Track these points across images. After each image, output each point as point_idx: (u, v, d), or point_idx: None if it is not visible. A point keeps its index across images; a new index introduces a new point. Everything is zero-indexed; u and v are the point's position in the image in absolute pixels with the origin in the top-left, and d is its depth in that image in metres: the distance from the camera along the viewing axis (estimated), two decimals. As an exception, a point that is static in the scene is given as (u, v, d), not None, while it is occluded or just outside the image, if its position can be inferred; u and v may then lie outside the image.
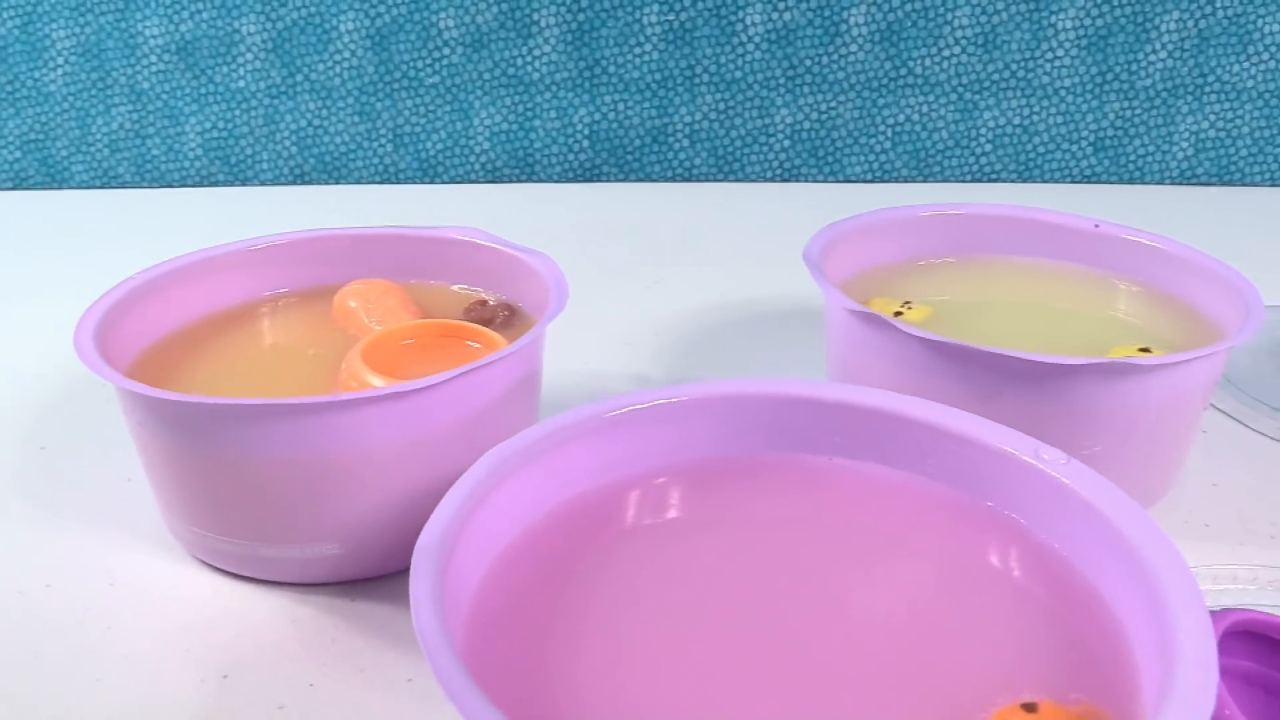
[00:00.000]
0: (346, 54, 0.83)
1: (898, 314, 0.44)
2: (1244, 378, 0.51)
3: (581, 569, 0.28)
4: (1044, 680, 0.25)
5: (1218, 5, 0.79)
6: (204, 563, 0.38)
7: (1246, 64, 0.81)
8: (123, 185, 0.86)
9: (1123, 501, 0.27)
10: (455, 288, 0.47)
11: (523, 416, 0.38)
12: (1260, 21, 0.80)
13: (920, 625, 0.27)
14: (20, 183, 0.86)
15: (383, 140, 0.85)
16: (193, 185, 0.86)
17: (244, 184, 0.86)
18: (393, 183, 0.86)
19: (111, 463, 0.44)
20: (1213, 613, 0.28)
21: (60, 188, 0.86)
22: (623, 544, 0.30)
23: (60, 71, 0.83)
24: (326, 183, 0.86)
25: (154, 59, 0.83)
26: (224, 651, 0.34)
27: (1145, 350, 0.40)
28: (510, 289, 0.45)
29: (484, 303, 0.45)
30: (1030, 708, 0.24)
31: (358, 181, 0.86)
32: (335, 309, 0.44)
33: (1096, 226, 0.48)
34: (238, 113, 0.84)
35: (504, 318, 0.44)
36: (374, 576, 0.37)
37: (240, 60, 0.83)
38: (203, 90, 0.84)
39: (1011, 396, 0.37)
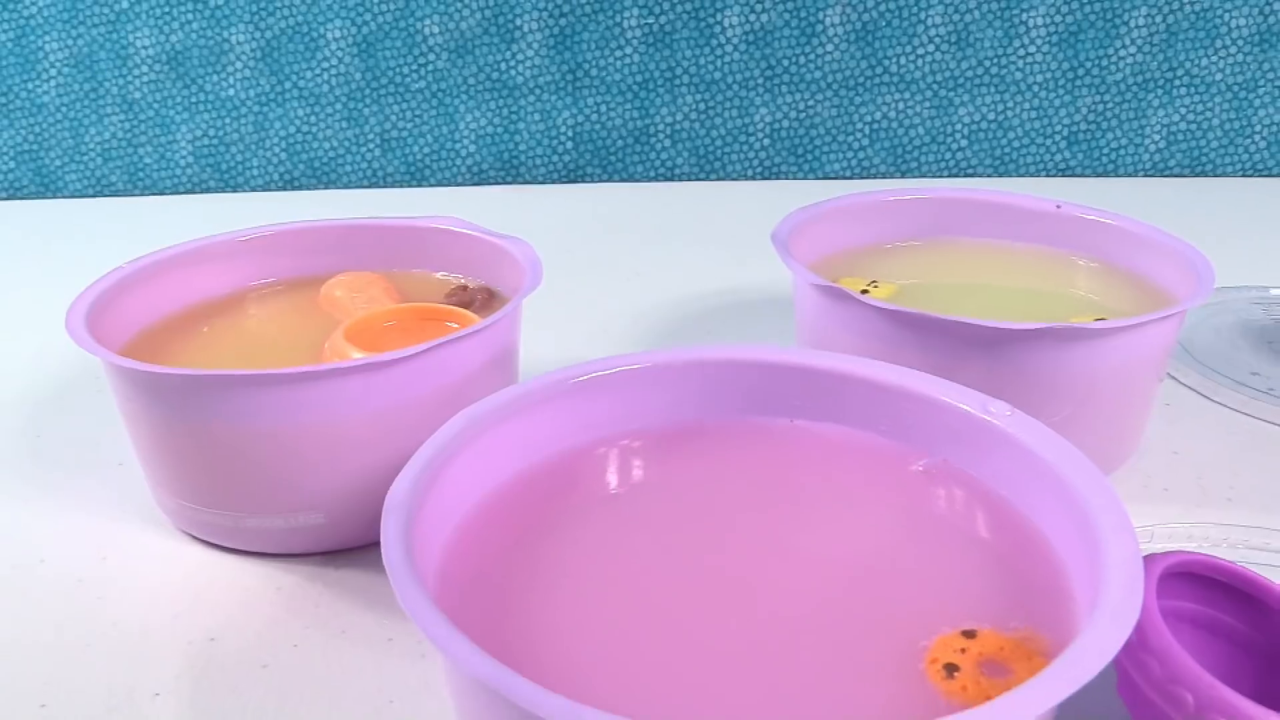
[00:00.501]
0: (334, 61, 0.84)
1: (864, 292, 0.45)
2: (1207, 353, 0.53)
3: (549, 527, 0.30)
4: (986, 612, 0.26)
5: (1185, 0, 0.81)
6: (192, 536, 0.39)
7: (1214, 57, 0.83)
8: (115, 193, 0.88)
9: (1064, 447, 0.28)
10: (437, 275, 0.48)
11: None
12: (1227, 15, 0.81)
13: (871, 567, 0.28)
14: (15, 193, 0.88)
15: (370, 145, 0.87)
16: (184, 192, 0.88)
17: (234, 190, 0.88)
18: (381, 186, 0.88)
19: (103, 449, 0.45)
20: (1154, 556, 0.29)
21: (54, 197, 0.88)
22: (590, 503, 0.31)
23: (53, 83, 0.85)
24: (316, 188, 0.88)
25: (145, 69, 0.85)
26: (210, 617, 0.35)
27: (1100, 320, 0.41)
28: (489, 274, 0.47)
29: (464, 288, 0.47)
30: (970, 634, 0.25)
31: (346, 186, 0.88)
32: (322, 298, 0.46)
33: (1059, 207, 0.50)
34: (228, 120, 0.86)
35: (483, 300, 0.45)
36: (357, 546, 0.38)
37: (230, 69, 0.84)
38: (193, 99, 0.85)
39: (972, 365, 0.38)
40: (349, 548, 0.38)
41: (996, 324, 0.37)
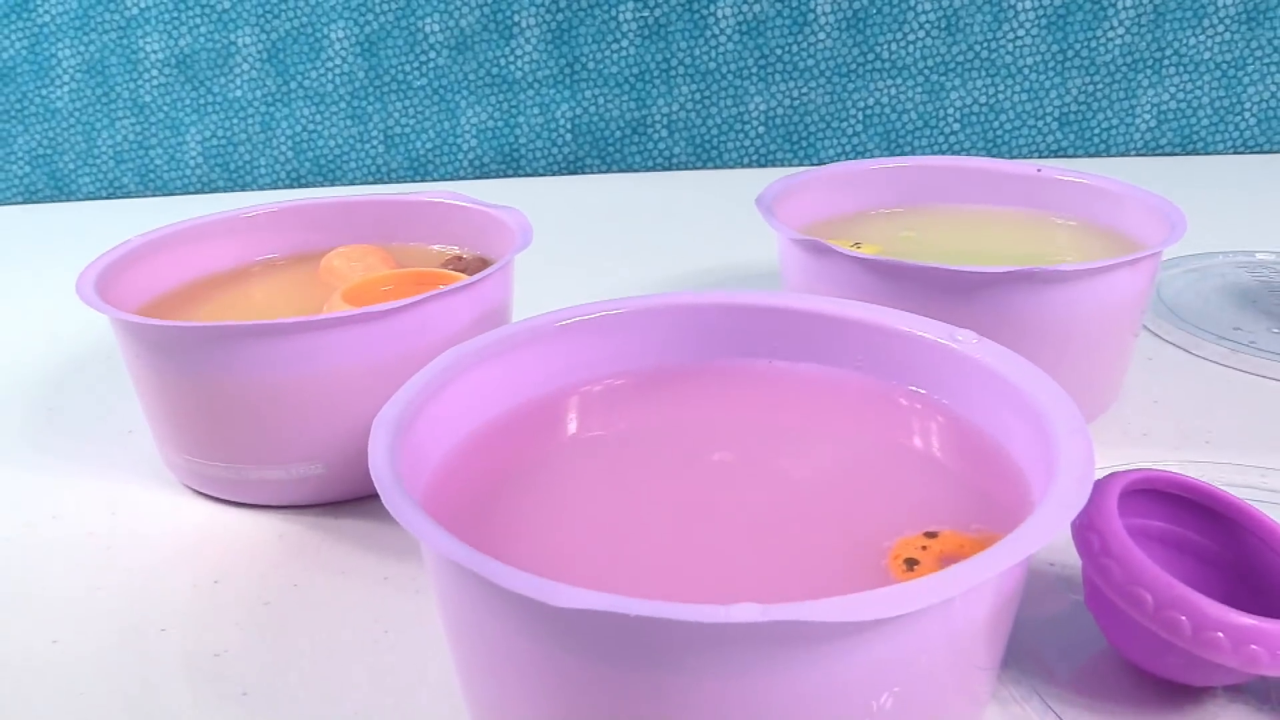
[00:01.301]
0: (338, 61, 0.86)
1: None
2: (1191, 312, 0.54)
3: (538, 458, 0.31)
4: (948, 517, 0.27)
5: (1173, -18, 0.82)
6: (197, 492, 0.40)
7: (1203, 36, 0.84)
8: (127, 195, 0.90)
9: (1024, 365, 0.29)
10: (434, 247, 0.50)
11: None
12: (1215, -4, 0.83)
13: (842, 483, 0.29)
14: (30, 196, 0.90)
15: (374, 142, 0.88)
16: (194, 192, 0.90)
17: (243, 189, 0.90)
18: (385, 181, 0.89)
19: (113, 419, 0.47)
20: (1119, 472, 0.30)
21: (68, 199, 0.90)
22: (578, 437, 0.32)
23: (66, 89, 0.87)
24: (322, 184, 0.89)
25: (155, 73, 0.87)
26: (215, 563, 0.36)
27: (1075, 269, 0.43)
28: (484, 244, 0.48)
29: (459, 258, 0.48)
30: (932, 535, 0.26)
31: (352, 182, 0.89)
32: (322, 269, 0.47)
33: (1039, 171, 0.51)
34: (235, 121, 0.88)
35: (477, 268, 0.46)
36: (356, 498, 0.39)
37: (237, 71, 0.87)
38: (202, 101, 0.87)
39: (951, 312, 0.39)
40: (348, 499, 0.39)
41: (971, 269, 0.38)
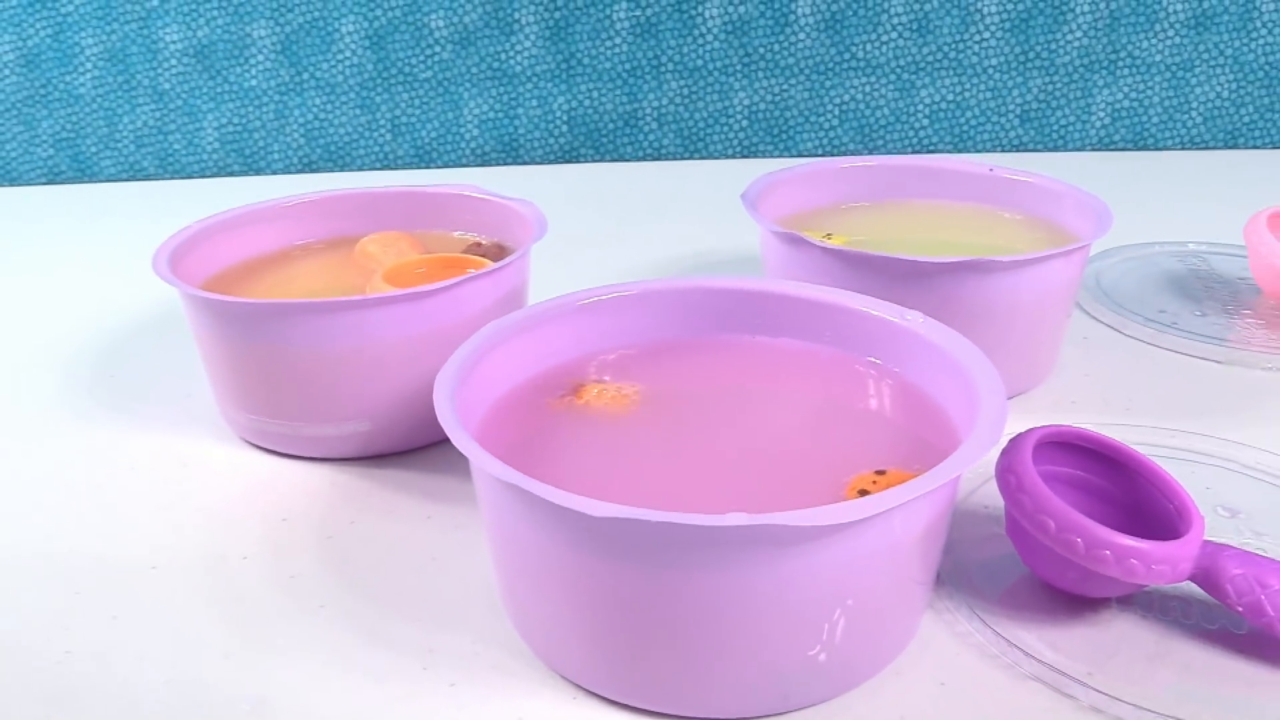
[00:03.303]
0: (348, 53, 0.92)
1: (819, 240, 0.53)
2: (1125, 297, 0.61)
3: (560, 410, 0.38)
4: (895, 459, 0.34)
5: (1127, -11, 0.89)
6: (255, 445, 0.47)
7: (1154, 40, 0.91)
8: (147, 178, 0.95)
9: (958, 340, 0.36)
10: (455, 234, 0.56)
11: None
12: (1165, 1, 0.89)
13: (809, 433, 0.36)
14: (54, 178, 0.95)
15: (382, 130, 0.94)
16: (211, 176, 0.95)
17: (257, 174, 0.95)
18: (392, 168, 0.95)
19: (170, 381, 0.53)
20: (1035, 428, 0.37)
21: (90, 181, 0.95)
22: (594, 397, 0.39)
23: (89, 76, 0.92)
24: (332, 170, 0.95)
25: (174, 62, 0.92)
26: (280, 505, 0.43)
27: (1016, 259, 0.49)
28: (501, 232, 0.54)
29: (479, 244, 0.54)
30: (881, 473, 0.33)
31: (360, 168, 0.95)
32: (358, 253, 0.53)
33: (991, 170, 0.58)
34: (251, 109, 0.93)
35: (496, 254, 0.53)
36: (399, 451, 0.46)
37: (252, 61, 0.92)
38: (219, 89, 0.93)
39: (907, 297, 0.45)
40: (391, 452, 0.46)
41: (925, 259, 0.45)
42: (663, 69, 0.92)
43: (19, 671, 0.34)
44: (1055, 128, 0.93)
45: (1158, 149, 0.94)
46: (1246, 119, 0.92)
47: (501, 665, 0.33)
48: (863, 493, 0.32)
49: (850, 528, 0.27)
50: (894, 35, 0.90)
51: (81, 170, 0.95)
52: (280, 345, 0.43)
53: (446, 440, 0.31)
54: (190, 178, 0.95)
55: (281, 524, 0.41)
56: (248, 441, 0.47)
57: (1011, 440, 0.35)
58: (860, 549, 0.28)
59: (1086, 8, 0.89)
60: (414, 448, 0.46)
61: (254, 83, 0.93)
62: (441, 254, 0.51)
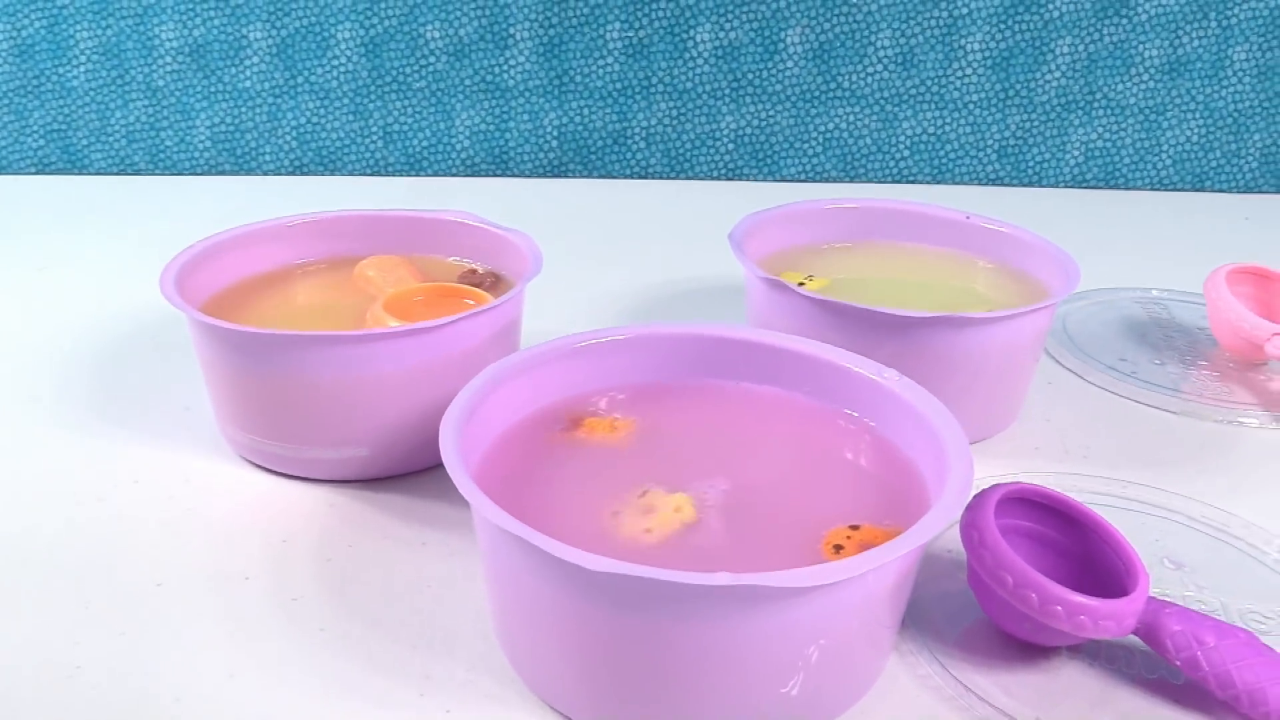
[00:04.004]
0: (343, 60, 0.93)
1: (801, 284, 0.55)
2: (1088, 342, 0.64)
3: (556, 449, 0.40)
4: (868, 514, 0.36)
5: (1104, 32, 0.92)
6: (256, 465, 0.48)
7: (1129, 83, 0.94)
8: (137, 172, 0.96)
9: (931, 401, 0.38)
10: (450, 260, 0.58)
11: (506, 354, 0.49)
12: (1141, 47, 0.92)
13: (791, 482, 0.38)
14: (43, 168, 0.95)
15: (374, 137, 0.96)
16: (202, 174, 0.96)
17: (248, 174, 0.96)
18: (382, 175, 0.96)
19: (170, 396, 0.54)
20: (998, 485, 0.40)
21: (80, 173, 0.96)
22: (587, 436, 0.41)
23: (82, 69, 0.93)
24: (323, 174, 0.96)
25: (169, 59, 0.93)
26: (280, 525, 0.44)
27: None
28: (495, 260, 0.56)
29: (474, 271, 0.56)
30: (855, 527, 0.35)
31: (351, 173, 0.96)
32: (357, 277, 0.55)
33: (968, 218, 0.60)
34: (244, 110, 0.94)
35: (491, 282, 0.55)
36: (394, 475, 0.48)
37: (247, 63, 0.93)
38: (213, 89, 0.94)
39: (884, 345, 0.48)
40: (387, 476, 0.47)
41: (902, 312, 0.47)
42: (653, 90, 0.94)
43: (31, 686, 0.35)
44: (1031, 164, 0.96)
45: (1128, 188, 0.97)
46: (1214, 163, 0.96)
47: (495, 695, 0.35)
48: (838, 548, 0.34)
49: (827, 587, 0.29)
50: (879, 68, 0.93)
51: (71, 162, 0.95)
52: (286, 373, 0.45)
53: (439, 466, 0.33)
54: (181, 174, 0.96)
55: (282, 545, 0.43)
56: (246, 459, 0.49)
57: (976, 496, 0.38)
58: (836, 603, 0.31)
59: (1066, 49, 0.92)
60: (409, 472, 0.48)
61: (248, 84, 0.94)
62: (439, 282, 0.53)
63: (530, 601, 0.33)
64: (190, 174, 0.96)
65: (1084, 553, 0.40)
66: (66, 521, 0.44)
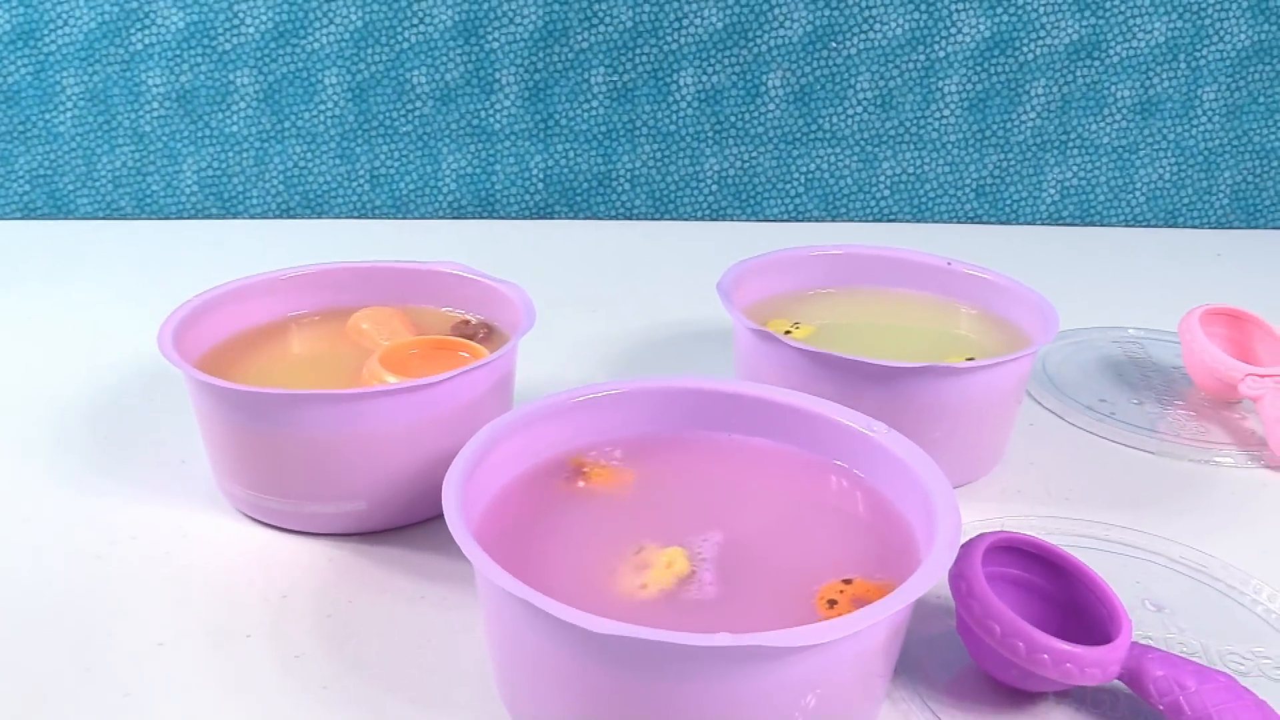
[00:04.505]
0: (330, 104, 0.94)
1: (788, 332, 0.57)
2: (1067, 383, 0.65)
3: (553, 505, 0.41)
4: (860, 567, 0.37)
5: (1078, 74, 0.94)
6: (254, 519, 0.49)
7: (1103, 123, 0.96)
8: (124, 217, 0.97)
9: (918, 454, 0.40)
10: (443, 310, 0.59)
11: (501, 407, 0.50)
12: (1114, 88, 0.95)
13: (782, 536, 0.39)
14: (29, 213, 0.96)
15: (361, 180, 0.97)
16: (189, 218, 0.97)
17: (235, 217, 0.97)
18: (369, 218, 0.97)
19: (166, 448, 0.55)
20: (985, 534, 0.41)
21: (65, 218, 0.96)
22: (583, 490, 0.42)
23: (69, 114, 0.94)
24: (310, 217, 0.97)
25: (156, 105, 0.94)
26: (280, 580, 0.45)
27: (970, 359, 0.53)
28: (487, 310, 0.57)
29: (467, 322, 0.57)
30: (848, 581, 0.36)
31: (338, 216, 0.97)
32: (350, 329, 0.56)
33: (949, 264, 0.62)
34: (231, 154, 0.95)
35: (484, 334, 0.56)
36: (392, 528, 0.48)
37: (235, 108, 0.94)
38: (200, 134, 0.95)
39: (870, 393, 0.50)
40: (385, 529, 0.48)
41: (888, 363, 0.48)
42: (637, 133, 0.95)
43: (38, 749, 0.36)
44: (1008, 202, 0.98)
45: (1103, 225, 0.99)
46: (1185, 200, 0.98)
47: (497, 751, 0.36)
48: (831, 603, 0.35)
49: (823, 645, 0.30)
50: (859, 109, 0.95)
51: (58, 207, 0.96)
52: (285, 431, 0.45)
53: (436, 518, 0.34)
54: (168, 219, 0.97)
55: (281, 600, 0.44)
56: (244, 514, 0.49)
57: (963, 546, 0.39)
58: (833, 659, 0.31)
59: (1041, 91, 0.95)
60: (407, 524, 0.48)
61: (235, 129, 0.95)
62: (433, 335, 0.54)
63: (533, 659, 0.33)
64: (177, 218, 0.97)
65: (1069, 598, 0.41)
66: (66, 581, 0.45)
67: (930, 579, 0.32)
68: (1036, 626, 0.37)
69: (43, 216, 0.96)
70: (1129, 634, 0.38)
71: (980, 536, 0.40)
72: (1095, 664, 0.36)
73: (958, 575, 0.38)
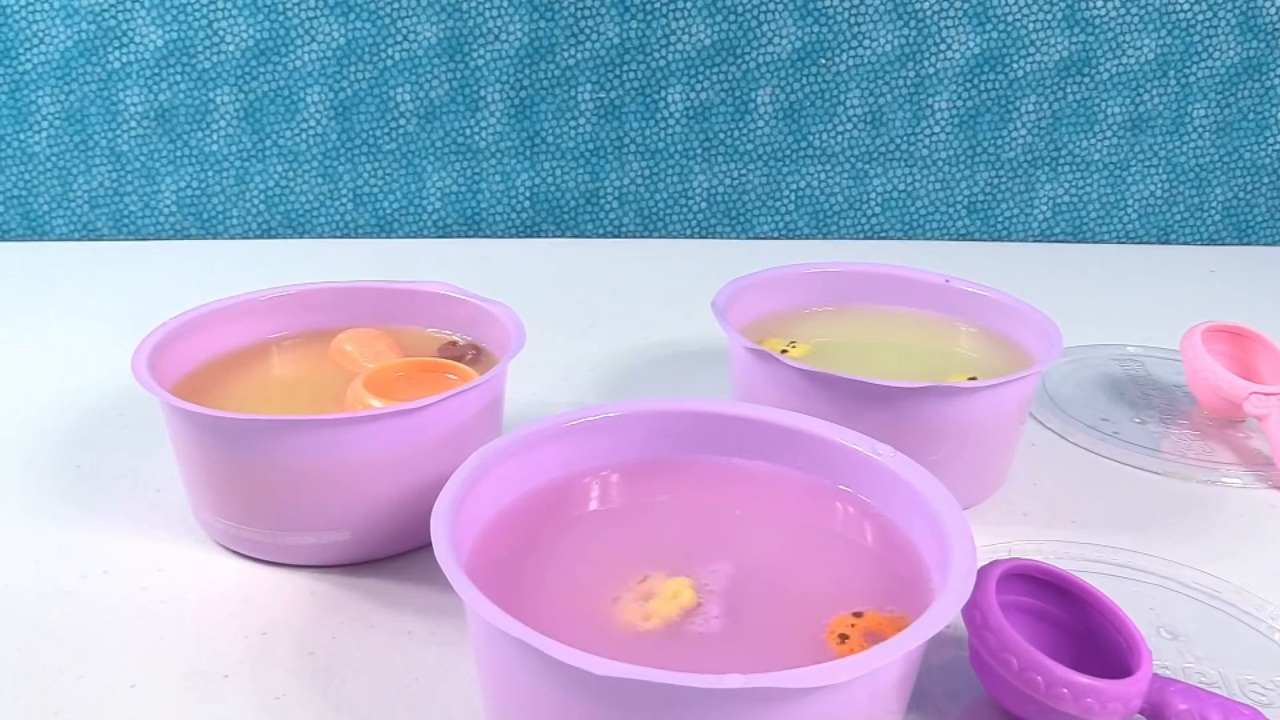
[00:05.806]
0: (312, 122, 0.92)
1: (784, 351, 0.55)
2: (1068, 402, 0.64)
3: (546, 534, 0.39)
4: (871, 599, 0.36)
5: (1068, 90, 0.94)
6: (233, 551, 0.47)
7: (1094, 140, 0.95)
8: (100, 238, 0.94)
9: (928, 478, 0.38)
10: (429, 331, 0.57)
11: (490, 431, 0.49)
12: (1104, 104, 0.94)
13: (788, 566, 0.38)
14: (2, 235, 0.94)
15: (344, 199, 0.95)
16: (167, 238, 0.95)
17: (215, 238, 0.95)
18: (352, 237, 0.96)
19: (139, 477, 0.53)
20: (997, 561, 0.39)
21: (40, 240, 0.94)
22: (578, 518, 0.40)
23: (44, 134, 0.91)
24: (292, 237, 0.95)
25: (134, 124, 0.92)
26: (259, 616, 0.43)
27: (972, 379, 0.52)
28: (475, 331, 0.55)
29: (454, 343, 0.55)
30: (858, 614, 0.34)
31: (320, 236, 0.95)
32: (333, 351, 0.54)
33: (947, 281, 0.60)
34: (211, 173, 0.93)
35: (472, 355, 0.54)
36: (377, 559, 0.46)
37: (214, 127, 0.92)
38: (179, 153, 0.93)
39: (871, 414, 0.48)
40: (369, 560, 0.46)
41: (889, 382, 0.47)
42: (625, 150, 0.94)
43: (0, 802, 0.34)
44: (1000, 219, 0.97)
45: (1095, 242, 0.98)
46: (1177, 216, 0.97)
47: (490, 798, 0.34)
48: (843, 637, 0.33)
49: (836, 685, 0.29)
50: (849, 126, 0.94)
51: (32, 229, 0.94)
52: (266, 458, 0.43)
53: (423, 548, 0.32)
54: (146, 239, 0.94)
55: (261, 638, 0.42)
56: (222, 545, 0.47)
57: (976, 575, 0.37)
58: (846, 698, 0.30)
59: (1031, 107, 0.94)
60: (393, 555, 0.46)
61: (215, 148, 0.93)
62: (419, 357, 0.52)
63: (530, 700, 0.31)
64: (155, 239, 0.95)
65: (1083, 627, 0.39)
66: (34, 618, 0.43)
67: (948, 614, 0.31)
68: (1052, 657, 0.35)
69: (17, 238, 0.94)
70: (1149, 666, 0.36)
71: (993, 564, 0.38)
72: (1117, 699, 0.35)
73: (972, 606, 0.37)
